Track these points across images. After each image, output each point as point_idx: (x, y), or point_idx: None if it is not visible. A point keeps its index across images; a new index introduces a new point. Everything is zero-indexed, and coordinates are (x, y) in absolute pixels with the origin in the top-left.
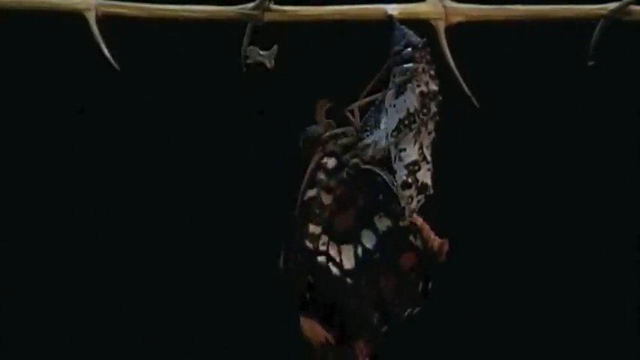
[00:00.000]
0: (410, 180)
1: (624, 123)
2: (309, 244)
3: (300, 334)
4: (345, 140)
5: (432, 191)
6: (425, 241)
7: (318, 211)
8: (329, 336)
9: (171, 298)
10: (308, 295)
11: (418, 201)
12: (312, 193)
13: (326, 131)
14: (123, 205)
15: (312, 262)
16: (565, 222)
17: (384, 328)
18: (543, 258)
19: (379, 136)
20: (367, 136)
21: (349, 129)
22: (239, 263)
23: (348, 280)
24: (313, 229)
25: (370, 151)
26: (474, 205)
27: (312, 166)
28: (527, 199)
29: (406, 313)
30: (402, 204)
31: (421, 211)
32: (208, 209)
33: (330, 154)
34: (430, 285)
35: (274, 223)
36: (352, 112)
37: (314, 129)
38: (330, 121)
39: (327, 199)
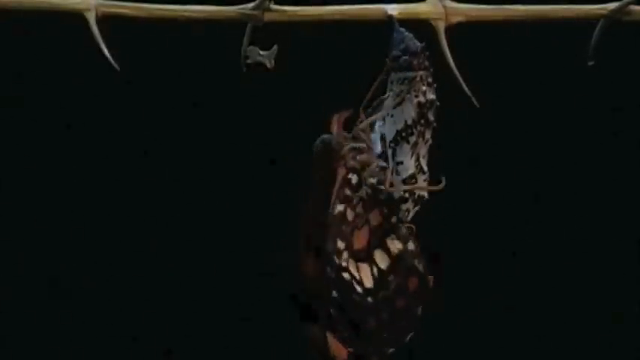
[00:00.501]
0: (407, 194)
1: (624, 123)
2: (337, 260)
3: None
4: (363, 157)
5: (427, 197)
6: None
7: (343, 227)
8: (349, 353)
9: (182, 308)
10: (332, 311)
11: (414, 212)
12: (340, 208)
13: (342, 142)
14: (124, 206)
15: (338, 277)
16: (565, 222)
17: (391, 350)
18: (543, 259)
19: (373, 141)
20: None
21: (362, 145)
22: (238, 265)
23: (369, 299)
24: (340, 244)
25: (386, 174)
26: (473, 206)
27: (339, 180)
28: (527, 199)
29: (408, 337)
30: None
31: (418, 215)
32: (208, 210)
33: (353, 171)
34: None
35: (273, 222)
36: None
37: (329, 138)
38: (345, 132)
39: (350, 215)
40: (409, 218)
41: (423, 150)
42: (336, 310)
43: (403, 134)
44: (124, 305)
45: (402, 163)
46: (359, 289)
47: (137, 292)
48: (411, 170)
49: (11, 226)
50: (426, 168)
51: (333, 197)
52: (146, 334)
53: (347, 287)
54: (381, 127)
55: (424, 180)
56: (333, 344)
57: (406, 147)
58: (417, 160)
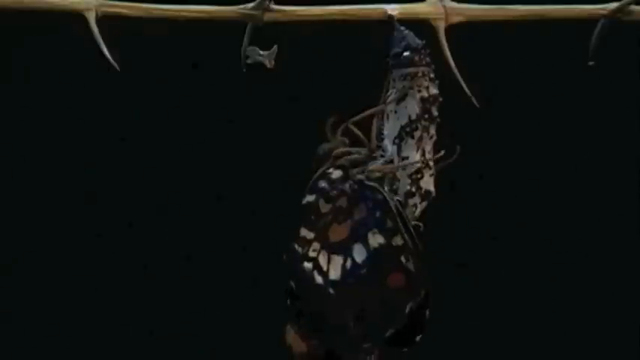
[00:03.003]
0: (413, 189)
1: (624, 123)
2: (297, 248)
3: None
4: (355, 156)
5: (434, 194)
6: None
7: (313, 217)
8: (309, 346)
9: (179, 303)
10: (288, 301)
11: (422, 207)
12: (310, 198)
13: (337, 147)
14: (123, 205)
15: (297, 266)
16: (565, 222)
17: (366, 345)
18: (543, 259)
19: (385, 146)
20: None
21: (363, 150)
22: (239, 270)
23: (331, 290)
24: (305, 233)
25: (378, 174)
26: (473, 206)
27: (317, 173)
28: (527, 199)
29: (388, 333)
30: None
31: (423, 215)
32: (207, 210)
33: (337, 167)
34: (427, 313)
35: (271, 220)
36: (362, 126)
37: (326, 146)
38: (344, 138)
39: (325, 207)
40: (417, 214)
41: (428, 145)
42: (293, 300)
43: (407, 129)
44: (126, 308)
45: (407, 158)
46: (319, 280)
47: (137, 291)
48: (417, 165)
49: (13, 226)
50: (431, 163)
51: (306, 189)
52: (144, 333)
53: (305, 277)
54: (387, 128)
55: (430, 175)
56: (290, 336)
57: (411, 142)
58: (423, 155)
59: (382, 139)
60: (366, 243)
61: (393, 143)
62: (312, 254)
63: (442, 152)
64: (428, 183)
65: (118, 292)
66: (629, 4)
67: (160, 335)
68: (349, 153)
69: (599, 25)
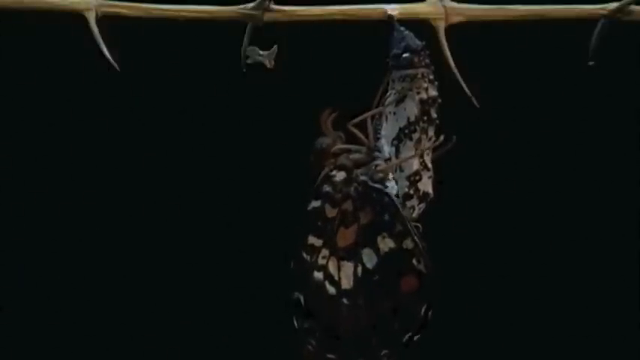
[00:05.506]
0: (411, 191)
1: (624, 123)
2: (306, 256)
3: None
4: (357, 156)
5: (432, 196)
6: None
7: (320, 223)
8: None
9: (182, 315)
10: (298, 319)
11: (419, 209)
12: (315, 204)
13: (335, 142)
14: (123, 206)
15: (307, 278)
16: (565, 223)
17: (384, 352)
18: (543, 259)
19: (380, 146)
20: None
21: (362, 148)
22: (239, 271)
23: (345, 300)
24: (313, 240)
25: (381, 174)
26: (474, 207)
27: (320, 177)
28: (528, 199)
29: (405, 338)
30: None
31: (422, 216)
32: (207, 211)
33: (340, 168)
34: (430, 312)
35: (270, 222)
36: (359, 125)
37: (323, 140)
38: (340, 133)
39: (331, 212)
40: (415, 215)
41: (426, 147)
42: (304, 318)
43: (406, 131)
44: (129, 311)
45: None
46: (332, 290)
47: (139, 297)
48: (415, 167)
49: (12, 227)
50: (430, 165)
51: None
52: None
53: (317, 290)
54: (385, 129)
55: (428, 177)
56: (306, 353)
57: (409, 144)
58: (421, 156)
59: (378, 139)
60: (375, 248)
61: (392, 145)
62: (321, 262)
63: (441, 137)
64: (426, 185)
65: (119, 294)
66: (629, 4)
67: (161, 346)
68: (349, 150)
69: (599, 25)
